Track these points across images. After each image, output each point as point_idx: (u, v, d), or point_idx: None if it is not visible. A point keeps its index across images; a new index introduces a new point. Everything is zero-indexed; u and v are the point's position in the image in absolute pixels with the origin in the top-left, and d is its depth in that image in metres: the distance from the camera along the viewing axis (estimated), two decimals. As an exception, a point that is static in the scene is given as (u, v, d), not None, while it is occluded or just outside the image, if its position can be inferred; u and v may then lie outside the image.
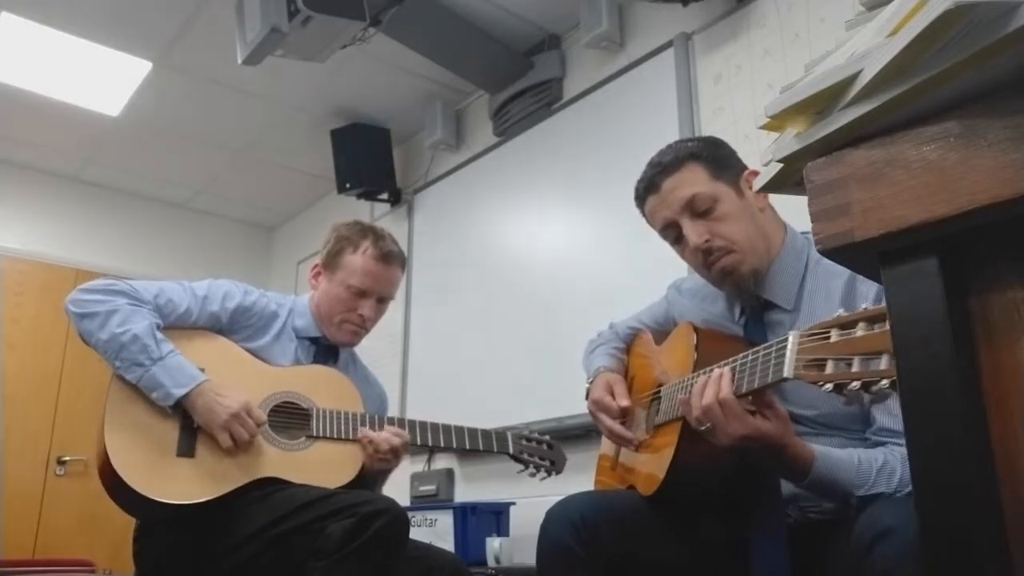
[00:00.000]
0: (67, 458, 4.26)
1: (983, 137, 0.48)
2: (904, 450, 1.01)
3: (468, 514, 2.85)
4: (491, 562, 2.74)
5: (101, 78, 3.69)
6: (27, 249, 4.43)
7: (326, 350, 1.94)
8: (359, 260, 1.89)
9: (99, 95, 3.83)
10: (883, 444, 1.21)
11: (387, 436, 1.79)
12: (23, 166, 4.49)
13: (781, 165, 0.62)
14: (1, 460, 4.05)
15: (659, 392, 1.48)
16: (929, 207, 0.50)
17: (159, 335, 1.67)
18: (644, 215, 1.49)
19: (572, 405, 2.75)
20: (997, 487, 0.48)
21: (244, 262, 5.15)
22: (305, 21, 2.59)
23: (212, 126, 4.11)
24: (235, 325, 1.83)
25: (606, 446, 1.71)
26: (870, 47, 0.53)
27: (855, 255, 0.55)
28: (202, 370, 1.69)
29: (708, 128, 2.70)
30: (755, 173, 1.43)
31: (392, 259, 1.93)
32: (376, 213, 4.25)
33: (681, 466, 1.32)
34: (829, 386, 0.98)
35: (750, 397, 1.16)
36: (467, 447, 1.91)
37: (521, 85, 3.47)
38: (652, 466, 1.41)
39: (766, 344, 1.13)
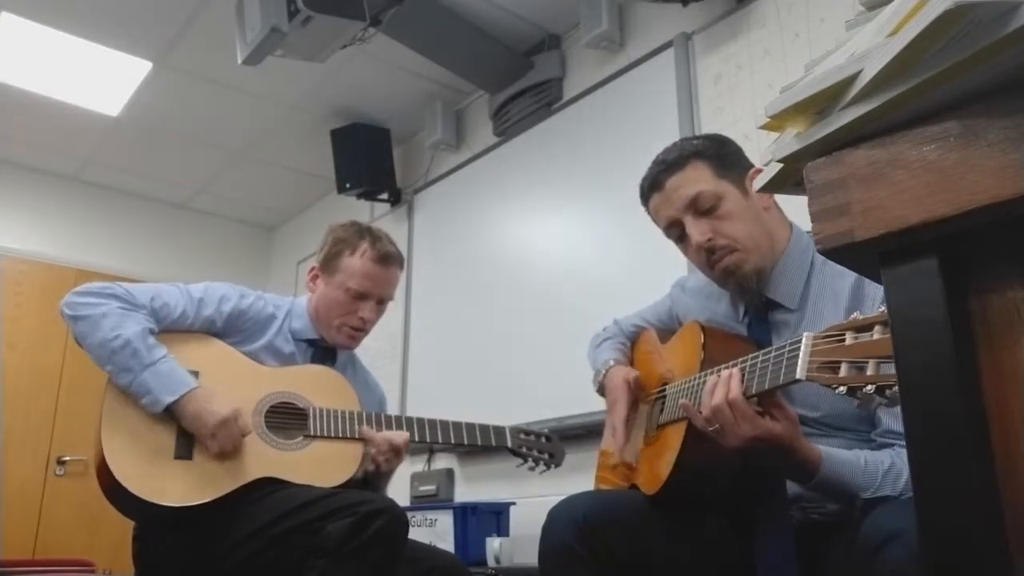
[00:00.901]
0: (67, 458, 4.26)
1: (983, 137, 0.48)
2: (906, 451, 1.02)
3: (468, 514, 2.85)
4: (491, 562, 2.74)
5: (101, 78, 3.69)
6: (27, 249, 4.43)
7: (324, 352, 1.94)
8: (357, 262, 1.88)
9: (99, 95, 3.83)
10: (889, 446, 1.21)
11: (388, 434, 1.79)
12: (23, 166, 4.49)
13: (781, 165, 0.62)
14: (1, 460, 4.05)
15: (664, 391, 1.47)
16: (929, 207, 0.50)
17: (151, 340, 1.66)
18: (648, 213, 1.48)
19: (572, 405, 2.75)
20: (997, 487, 0.48)
21: (244, 262, 5.15)
22: (305, 21, 2.59)
23: (212, 126, 4.11)
24: (231, 328, 1.82)
25: (607, 442, 1.71)
26: (870, 47, 0.53)
27: (855, 255, 0.55)
28: (197, 374, 1.69)
29: (708, 128, 2.70)
30: (761, 171, 1.42)
31: (391, 260, 1.92)
32: (376, 213, 4.25)
33: (685, 465, 1.32)
34: (843, 389, 0.98)
35: (757, 398, 1.16)
36: (465, 442, 1.92)
37: (521, 85, 3.48)
38: (656, 465, 1.40)
39: (778, 345, 1.13)
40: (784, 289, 1.37)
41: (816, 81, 0.56)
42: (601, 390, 1.65)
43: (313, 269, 1.96)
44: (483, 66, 3.47)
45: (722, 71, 2.74)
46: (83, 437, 4.18)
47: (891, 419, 1.22)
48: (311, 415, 1.78)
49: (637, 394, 1.56)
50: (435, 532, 2.86)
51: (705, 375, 1.29)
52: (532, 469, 2.00)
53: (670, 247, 1.50)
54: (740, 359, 1.21)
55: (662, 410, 1.46)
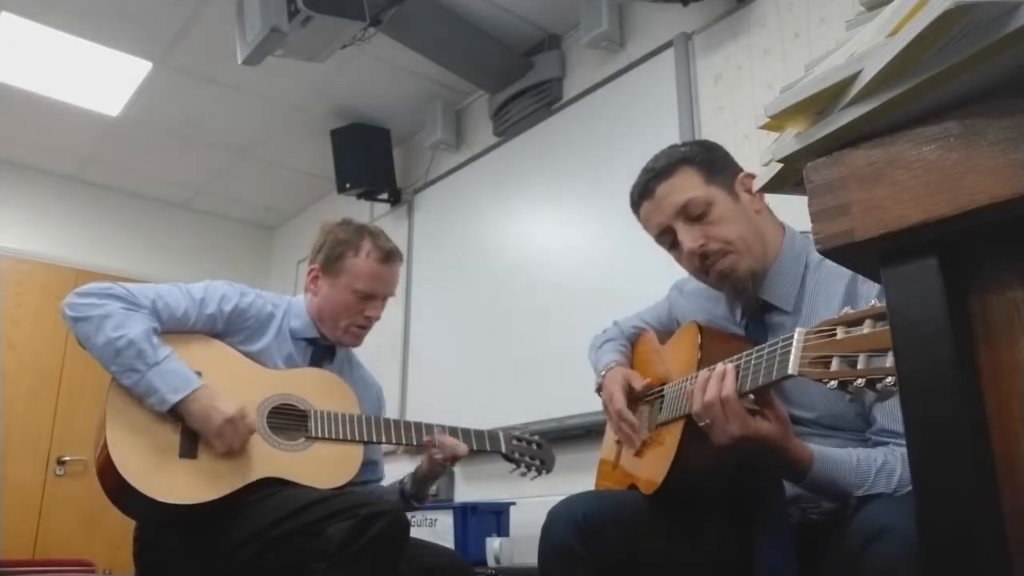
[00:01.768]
0: (67, 458, 4.26)
1: (983, 137, 0.48)
2: (905, 450, 1.01)
3: (468, 514, 2.85)
4: (491, 562, 2.74)
5: (101, 78, 3.69)
6: (27, 249, 4.43)
7: (323, 351, 1.94)
8: (363, 263, 1.89)
9: (99, 95, 3.83)
10: (884, 444, 1.21)
11: (454, 443, 1.86)
12: (23, 166, 4.49)
13: (781, 165, 0.62)
14: (1, 460, 4.05)
15: (662, 391, 1.47)
16: (929, 207, 0.50)
17: (155, 339, 1.67)
18: (639, 221, 1.48)
19: (572, 405, 2.75)
20: (997, 487, 0.48)
21: (244, 262, 5.15)
22: (305, 21, 2.59)
23: (212, 126, 4.11)
24: (232, 327, 1.82)
25: (606, 450, 1.71)
26: (870, 47, 0.53)
27: (855, 255, 0.55)
28: (199, 374, 1.69)
29: (708, 128, 2.70)
30: (750, 175, 1.42)
31: (394, 257, 1.94)
32: (376, 213, 4.25)
33: (683, 465, 1.32)
34: (834, 383, 0.98)
35: (751, 395, 1.16)
36: None
37: (521, 85, 3.47)
38: (654, 465, 1.41)
39: (771, 342, 1.13)
40: (779, 291, 1.37)
41: (816, 81, 0.56)
42: (600, 391, 1.65)
43: (313, 270, 1.95)
44: (483, 66, 3.47)
45: (722, 71, 2.74)
46: (83, 437, 4.18)
47: (885, 417, 1.22)
48: (312, 417, 1.79)
49: (633, 392, 1.55)
50: (435, 532, 2.86)
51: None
52: (524, 475, 2.02)
53: (669, 249, 1.50)
54: (735, 356, 1.21)
55: (660, 410, 1.46)
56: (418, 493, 1.93)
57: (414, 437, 1.87)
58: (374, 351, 2.41)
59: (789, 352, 1.06)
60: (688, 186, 1.38)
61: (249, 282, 1.96)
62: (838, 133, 0.56)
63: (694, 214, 1.37)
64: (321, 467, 1.74)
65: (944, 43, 0.48)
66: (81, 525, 4.16)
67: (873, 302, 1.00)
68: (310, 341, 1.92)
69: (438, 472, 1.91)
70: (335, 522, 1.51)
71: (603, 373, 1.64)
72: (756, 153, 2.27)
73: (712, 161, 1.41)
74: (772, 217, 1.44)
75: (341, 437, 1.79)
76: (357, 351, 2.07)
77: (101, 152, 4.37)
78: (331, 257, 1.92)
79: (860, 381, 0.95)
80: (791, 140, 0.59)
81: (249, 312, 1.84)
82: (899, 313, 0.53)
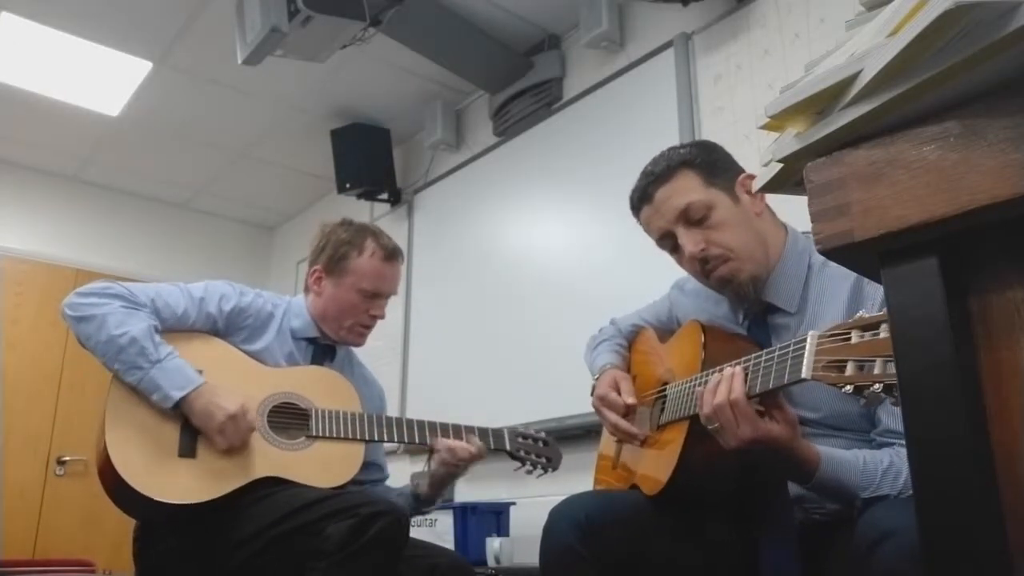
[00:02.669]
0: (67, 458, 4.26)
1: (983, 137, 0.48)
2: (906, 450, 1.01)
3: (468, 514, 2.85)
4: (491, 562, 2.74)
5: (101, 78, 3.69)
6: (27, 249, 4.43)
7: (323, 350, 1.94)
8: (367, 263, 1.89)
9: (99, 95, 3.83)
10: (889, 445, 1.21)
11: (465, 445, 1.84)
12: (23, 166, 4.49)
13: (781, 165, 0.62)
14: (1, 460, 4.05)
15: (664, 391, 1.47)
16: (929, 207, 0.50)
17: (157, 338, 1.67)
18: (640, 225, 1.47)
19: (572, 405, 2.75)
20: (997, 488, 0.48)
21: (244, 262, 5.15)
22: (305, 21, 2.59)
23: (212, 126, 4.11)
24: (231, 327, 1.83)
25: (605, 446, 1.70)
26: (870, 47, 0.53)
27: (855, 255, 0.55)
28: (200, 373, 1.69)
29: (708, 128, 2.70)
30: (751, 177, 1.41)
31: (396, 255, 1.96)
32: (376, 213, 4.25)
33: (687, 466, 1.31)
34: (849, 388, 0.98)
35: (759, 398, 1.16)
36: None
37: (521, 85, 3.47)
38: (657, 465, 1.40)
39: (782, 344, 1.12)
40: (783, 293, 1.36)
41: (816, 81, 0.56)
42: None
43: (316, 271, 1.94)
44: (483, 66, 3.47)
45: (722, 71, 2.74)
46: (83, 437, 4.18)
47: (890, 418, 1.21)
48: (313, 416, 1.79)
49: (625, 395, 1.54)
50: (435, 532, 2.86)
51: (707, 375, 1.28)
52: (530, 472, 2.00)
53: (669, 250, 1.50)
54: (743, 358, 1.21)
55: (662, 410, 1.46)
56: (433, 496, 1.92)
57: (416, 436, 1.87)
58: (374, 351, 2.41)
59: (802, 356, 1.05)
60: (688, 189, 1.37)
61: (249, 282, 1.96)
62: (838, 133, 0.55)
63: (695, 218, 1.36)
64: (321, 466, 1.73)
65: (944, 43, 0.48)
66: (81, 525, 4.16)
67: (872, 307, 0.99)
68: (311, 341, 1.93)
69: (454, 475, 1.89)
70: (335, 521, 1.51)
71: (597, 376, 1.63)
72: (756, 153, 2.27)
73: (712, 163, 1.40)
74: (774, 218, 1.43)
75: (343, 436, 1.79)
76: (357, 351, 2.07)
77: (101, 152, 4.37)
78: (335, 257, 1.91)
79: (877, 386, 0.94)
80: (791, 140, 0.59)
81: (249, 311, 1.85)
82: (899, 313, 0.53)
